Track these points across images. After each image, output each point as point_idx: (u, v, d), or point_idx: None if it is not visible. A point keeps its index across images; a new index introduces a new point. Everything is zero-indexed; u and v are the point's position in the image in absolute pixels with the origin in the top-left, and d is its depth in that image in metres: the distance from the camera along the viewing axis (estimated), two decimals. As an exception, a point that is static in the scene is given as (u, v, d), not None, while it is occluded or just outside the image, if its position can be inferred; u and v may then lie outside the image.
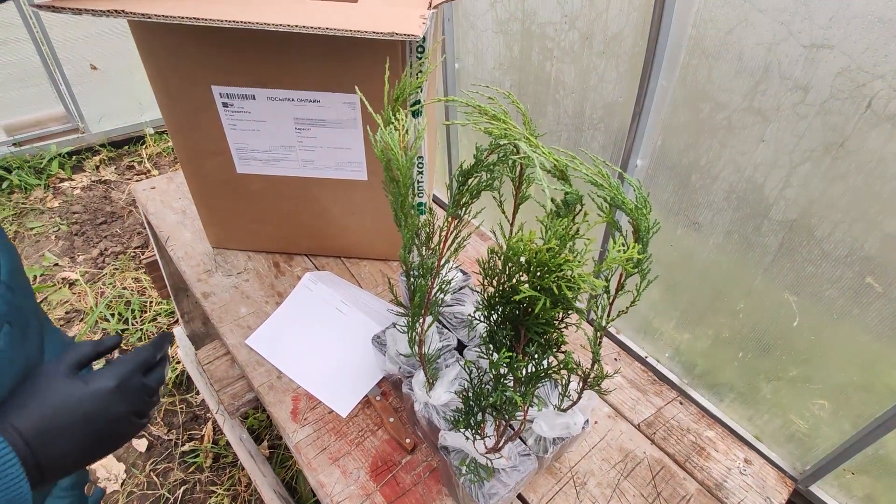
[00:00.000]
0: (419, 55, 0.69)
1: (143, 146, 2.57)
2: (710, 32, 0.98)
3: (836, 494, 1.20)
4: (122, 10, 0.55)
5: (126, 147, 2.57)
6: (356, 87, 0.59)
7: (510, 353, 0.49)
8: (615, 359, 0.89)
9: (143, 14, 0.55)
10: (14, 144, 2.32)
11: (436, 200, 1.94)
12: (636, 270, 0.47)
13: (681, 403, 0.82)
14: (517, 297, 0.42)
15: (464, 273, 0.87)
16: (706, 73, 1.03)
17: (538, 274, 0.43)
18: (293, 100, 0.80)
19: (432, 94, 0.93)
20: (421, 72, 0.58)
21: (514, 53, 1.47)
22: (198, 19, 0.56)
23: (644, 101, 1.16)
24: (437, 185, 1.98)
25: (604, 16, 1.16)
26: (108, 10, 0.55)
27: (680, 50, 1.06)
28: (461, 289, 0.85)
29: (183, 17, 0.55)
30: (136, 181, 2.39)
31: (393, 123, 0.57)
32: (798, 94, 0.92)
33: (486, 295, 0.51)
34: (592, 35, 1.21)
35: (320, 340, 0.87)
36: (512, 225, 0.69)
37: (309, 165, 0.88)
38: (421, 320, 0.65)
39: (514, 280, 0.46)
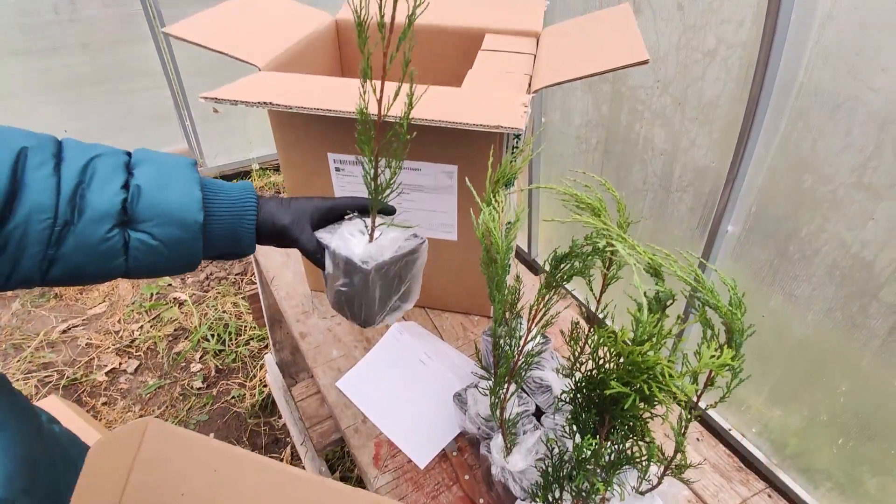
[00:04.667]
0: (516, 142, 0.74)
1: (249, 179, 2.84)
2: (815, 106, 0.96)
3: None
4: (269, 102, 0.65)
5: (235, 180, 2.85)
6: (466, 180, 0.64)
7: (594, 441, 0.50)
8: (697, 439, 0.86)
9: (285, 105, 0.65)
10: (145, 175, 2.65)
11: (517, 253, 1.97)
12: (728, 373, 0.47)
13: (769, 497, 0.77)
14: (607, 392, 0.44)
15: (544, 336, 0.89)
16: (809, 144, 1.00)
17: (629, 370, 0.45)
18: (396, 167, 0.87)
19: (525, 152, 0.98)
20: (515, 160, 0.62)
21: (603, 112, 1.50)
22: (328, 110, 0.64)
23: (739, 168, 1.14)
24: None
25: (698, 83, 1.16)
26: (258, 102, 0.66)
27: (781, 120, 1.04)
28: (541, 353, 0.87)
29: (317, 109, 0.64)
30: (241, 212, 2.64)
31: (493, 205, 0.62)
32: (915, 174, 0.87)
33: (573, 380, 0.53)
34: (686, 101, 1.21)
35: (403, 389, 0.92)
36: (599, 302, 0.71)
37: (405, 224, 0.95)
38: (504, 388, 0.68)
39: (603, 371, 0.48)
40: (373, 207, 0.64)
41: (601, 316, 0.72)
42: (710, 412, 1.45)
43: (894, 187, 0.91)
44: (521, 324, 0.81)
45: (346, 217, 0.68)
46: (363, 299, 0.66)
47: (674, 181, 1.34)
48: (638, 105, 1.36)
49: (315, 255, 0.64)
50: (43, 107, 2.34)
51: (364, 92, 0.50)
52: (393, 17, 0.48)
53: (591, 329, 0.79)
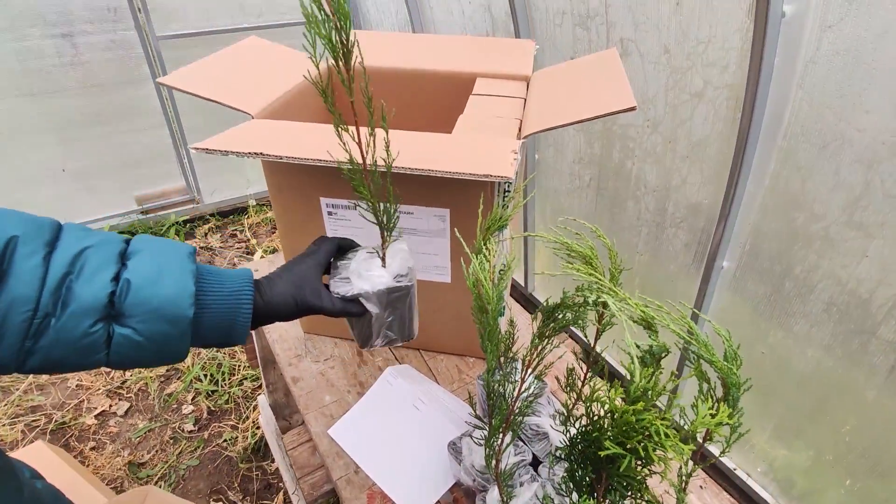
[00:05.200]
0: (508, 187, 0.75)
1: (246, 216, 2.85)
2: (802, 146, 0.97)
3: None
4: (261, 153, 0.66)
5: (231, 217, 2.86)
6: (455, 230, 0.64)
7: (592, 502, 0.49)
8: (700, 486, 0.83)
9: (276, 155, 0.65)
10: (142, 213, 2.66)
11: (513, 286, 1.96)
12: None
13: (778, 548, 0.74)
14: (602, 454, 0.43)
15: (540, 380, 0.87)
16: (799, 184, 1.01)
17: (624, 430, 0.43)
18: (389, 211, 0.87)
19: (516, 198, 0.99)
20: (506, 206, 0.62)
21: (595, 150, 1.51)
22: (319, 160, 0.65)
23: (731, 206, 1.14)
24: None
25: (688, 123, 1.18)
26: (249, 152, 0.66)
27: (770, 159, 1.05)
28: (537, 397, 0.85)
29: (306, 159, 0.65)
30: (237, 249, 2.63)
31: (483, 254, 0.62)
32: (905, 213, 0.87)
33: (567, 434, 0.52)
34: (676, 139, 1.23)
35: (397, 437, 0.89)
36: (594, 348, 0.69)
37: (398, 267, 0.94)
38: (499, 439, 0.66)
39: (598, 429, 0.46)
40: (385, 237, 0.66)
41: (598, 352, 0.71)
42: (714, 449, 1.42)
43: (885, 226, 0.91)
44: (516, 368, 0.79)
45: (340, 261, 0.69)
46: (406, 315, 0.68)
47: (667, 217, 1.35)
48: (629, 143, 1.38)
49: (345, 310, 0.63)
50: (43, 147, 2.36)
51: (344, 143, 0.51)
52: (349, 69, 0.49)
53: (589, 371, 0.78)
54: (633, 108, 0.69)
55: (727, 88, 1.06)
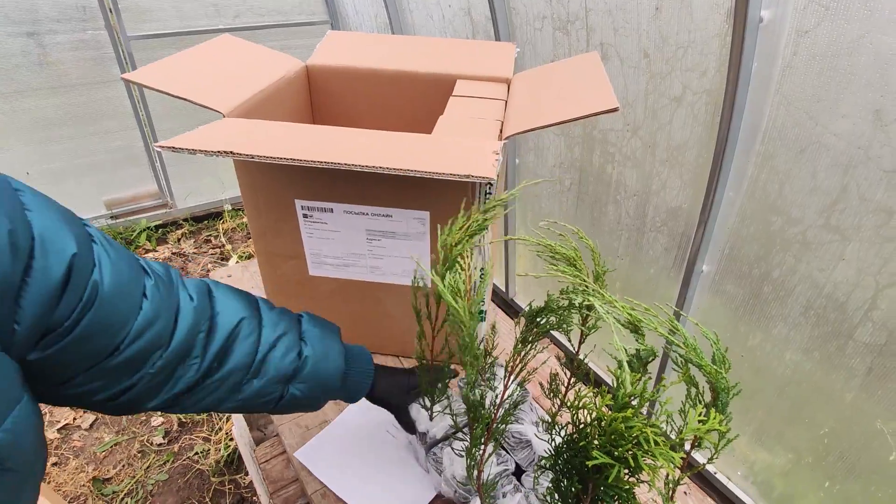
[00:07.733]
0: (489, 192, 0.73)
1: (221, 221, 2.78)
2: (780, 150, 0.98)
3: None
4: (231, 151, 0.63)
5: (206, 221, 2.79)
6: (438, 227, 0.62)
7: (578, 513, 0.47)
8: (685, 492, 0.82)
9: (248, 154, 0.62)
10: (112, 217, 2.58)
11: (494, 291, 1.94)
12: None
13: (763, 554, 0.73)
14: (590, 463, 0.41)
15: (521, 386, 0.85)
16: (777, 187, 1.02)
17: (612, 438, 0.41)
18: (367, 214, 0.85)
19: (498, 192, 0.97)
20: (487, 213, 0.61)
21: (575, 154, 1.51)
22: (294, 160, 0.62)
23: (710, 210, 1.15)
24: (494, 273, 1.99)
25: (667, 127, 1.18)
26: (218, 151, 0.63)
27: (747, 164, 1.05)
28: (519, 404, 0.83)
29: (281, 158, 0.62)
30: (211, 254, 2.56)
31: (459, 263, 0.59)
32: (881, 216, 0.88)
33: (553, 443, 0.50)
34: (655, 144, 1.23)
35: (369, 461, 0.85)
36: (578, 352, 0.68)
37: (376, 271, 0.92)
38: (481, 449, 0.64)
39: (585, 438, 0.45)
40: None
41: (581, 357, 0.70)
42: (695, 454, 1.42)
43: (861, 229, 0.92)
44: (496, 375, 0.77)
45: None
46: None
47: (647, 221, 1.35)
48: (609, 147, 1.38)
49: (408, 426, 0.78)
50: (7, 149, 2.27)
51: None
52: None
53: (572, 377, 0.76)
54: (615, 109, 0.68)
55: (706, 93, 1.07)
